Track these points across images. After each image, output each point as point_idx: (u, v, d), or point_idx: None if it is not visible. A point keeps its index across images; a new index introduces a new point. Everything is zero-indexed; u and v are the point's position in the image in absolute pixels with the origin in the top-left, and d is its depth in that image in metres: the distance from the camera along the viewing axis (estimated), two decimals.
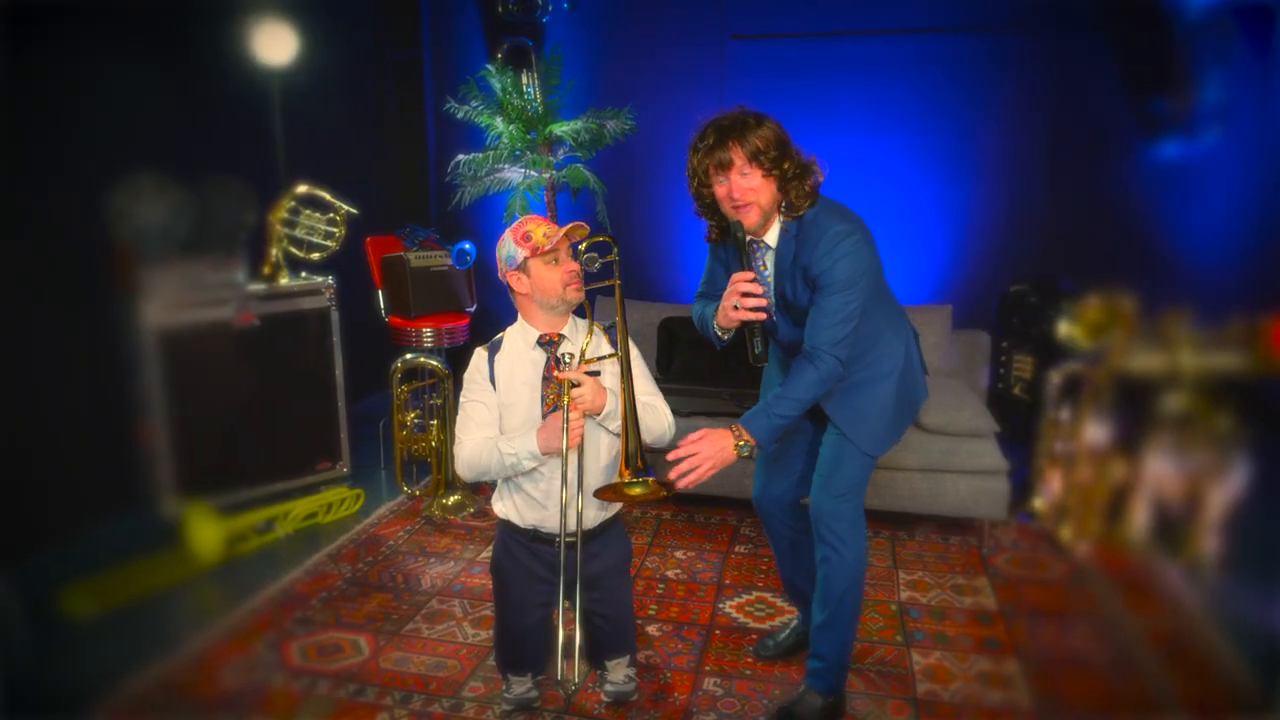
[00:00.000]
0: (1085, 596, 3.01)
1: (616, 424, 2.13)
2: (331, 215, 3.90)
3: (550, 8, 4.97)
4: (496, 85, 4.27)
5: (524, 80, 4.43)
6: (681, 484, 2.07)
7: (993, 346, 4.23)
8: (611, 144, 4.38)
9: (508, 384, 2.22)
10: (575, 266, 2.21)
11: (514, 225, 2.24)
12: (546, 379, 2.19)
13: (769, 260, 2.26)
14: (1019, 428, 4.09)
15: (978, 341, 4.09)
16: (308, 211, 3.87)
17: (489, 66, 4.40)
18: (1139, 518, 3.38)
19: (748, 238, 2.18)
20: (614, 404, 2.16)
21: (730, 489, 3.59)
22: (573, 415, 2.09)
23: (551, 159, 4.37)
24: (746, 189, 2.13)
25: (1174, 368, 3.37)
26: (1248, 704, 2.38)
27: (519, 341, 2.25)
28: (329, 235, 3.90)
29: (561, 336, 2.23)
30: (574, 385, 2.11)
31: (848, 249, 2.12)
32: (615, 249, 2.26)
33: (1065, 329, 3.52)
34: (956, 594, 3.04)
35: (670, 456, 2.09)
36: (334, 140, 4.85)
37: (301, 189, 3.84)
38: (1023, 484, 3.63)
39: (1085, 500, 3.46)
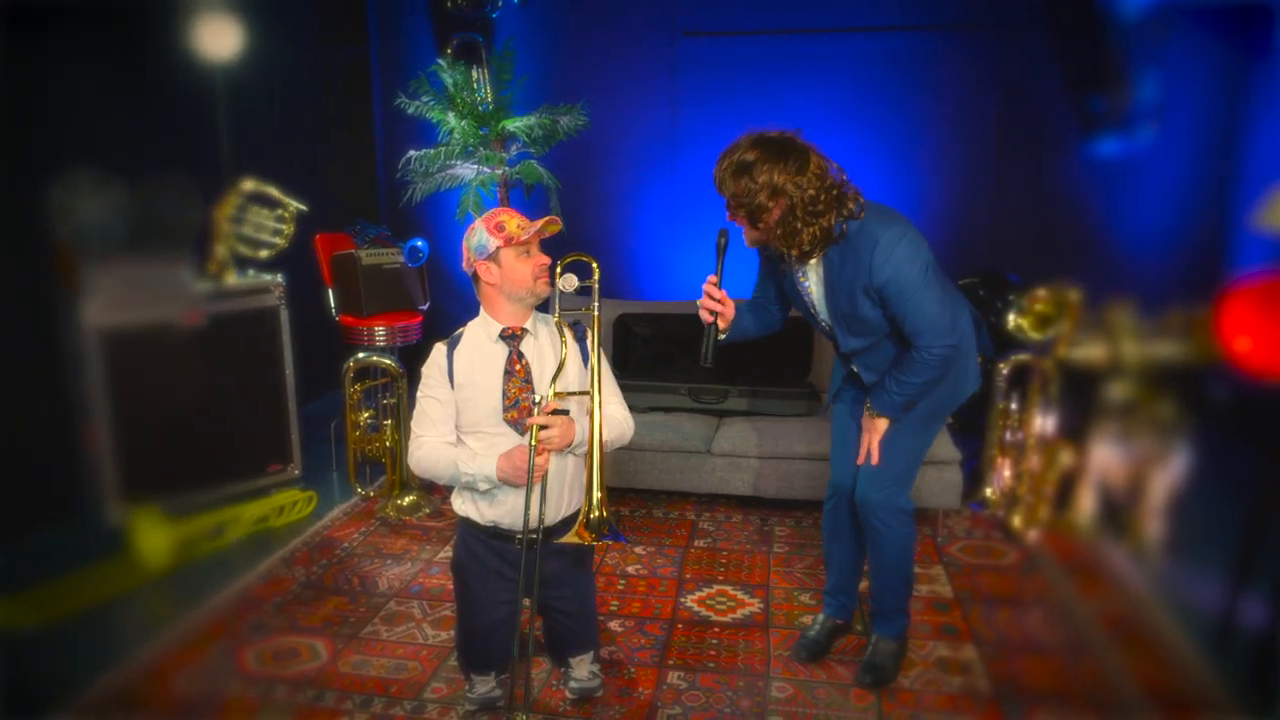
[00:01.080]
0: (1037, 582, 3.08)
1: (584, 448, 2.13)
2: (280, 212, 3.82)
3: (500, 3, 4.93)
4: (448, 80, 4.23)
5: (474, 76, 4.39)
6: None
7: None
8: (565, 140, 4.36)
9: (468, 377, 2.19)
10: (545, 260, 2.20)
11: (486, 215, 2.22)
12: (508, 373, 2.17)
13: (810, 273, 2.34)
14: (969, 419, 4.16)
15: None
16: (255, 208, 3.79)
17: (440, 61, 4.35)
18: (1086, 504, 3.47)
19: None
20: (584, 432, 2.14)
21: (688, 483, 3.60)
22: (539, 458, 2.07)
23: (504, 155, 4.34)
24: (745, 235, 2.27)
25: (1117, 357, 3.47)
26: (1196, 681, 2.46)
27: (481, 334, 2.23)
28: (277, 233, 3.82)
29: (524, 331, 2.21)
30: (542, 427, 2.08)
31: (906, 252, 2.18)
32: (596, 271, 2.23)
33: (1014, 320, 3.60)
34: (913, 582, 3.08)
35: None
36: (280, 136, 4.76)
37: (249, 185, 3.75)
38: (974, 474, 3.70)
39: (1035, 488, 3.54)
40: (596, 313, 2.21)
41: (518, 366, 2.17)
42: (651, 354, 4.09)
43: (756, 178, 2.12)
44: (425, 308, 4.22)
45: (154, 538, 3.17)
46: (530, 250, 2.19)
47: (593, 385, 2.10)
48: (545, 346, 2.22)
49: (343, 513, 3.73)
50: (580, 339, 2.26)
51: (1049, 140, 4.81)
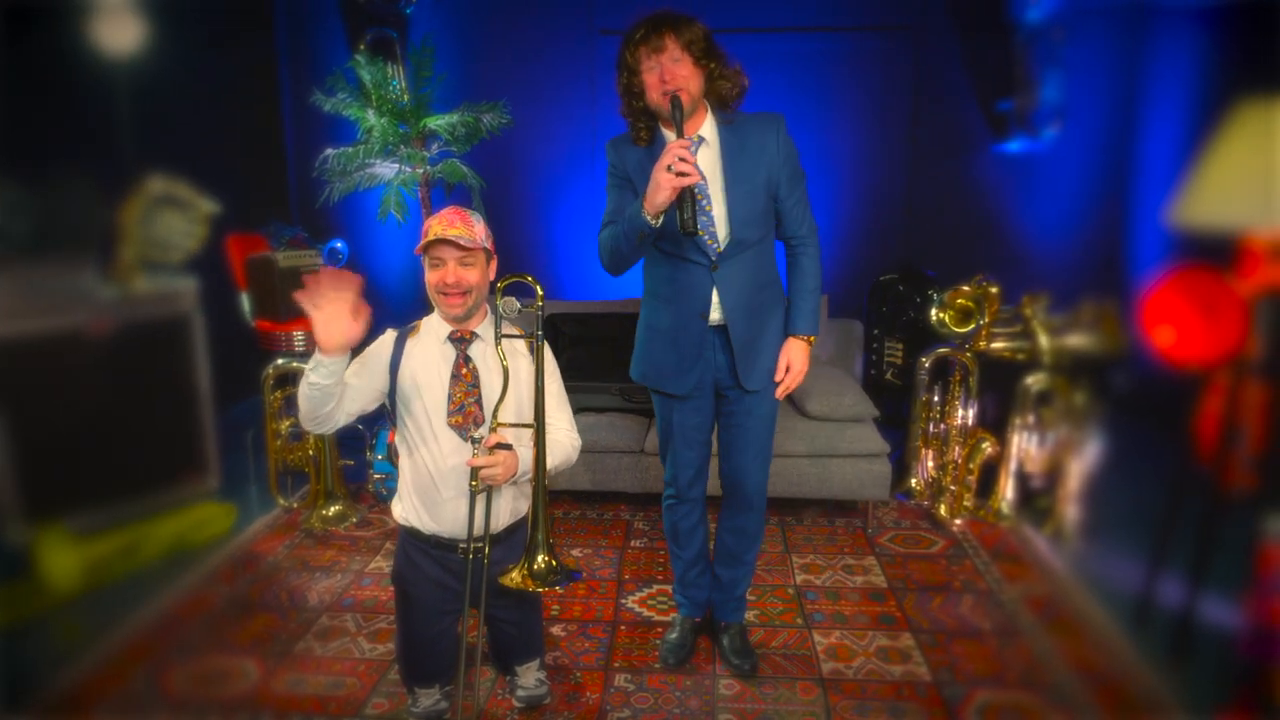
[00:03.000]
0: (966, 569, 3.17)
1: (529, 476, 2.07)
2: (190, 213, 3.65)
3: None
4: (366, 77, 4.11)
5: (389, 72, 4.28)
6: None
7: (865, 334, 4.39)
8: (488, 138, 4.29)
9: (413, 372, 2.11)
10: (459, 278, 2.05)
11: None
12: (455, 376, 2.11)
13: (704, 157, 2.29)
14: (893, 412, 4.27)
15: (852, 330, 4.23)
16: (164, 209, 3.61)
17: (358, 57, 4.22)
18: (1007, 492, 3.60)
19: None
20: (528, 462, 2.06)
21: (622, 483, 3.59)
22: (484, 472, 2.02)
23: (426, 154, 4.25)
24: (678, 74, 2.18)
25: (1033, 349, 3.60)
26: (1120, 658, 2.56)
27: (432, 331, 2.15)
28: (188, 235, 3.65)
29: (474, 335, 2.14)
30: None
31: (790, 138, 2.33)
32: (539, 295, 2.08)
33: (936, 315, 3.70)
34: (848, 574, 3.13)
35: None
36: (184, 134, 4.54)
37: (157, 185, 3.57)
38: (898, 465, 3.79)
39: (958, 478, 3.64)
40: (539, 342, 2.08)
41: (464, 370, 2.11)
42: (580, 355, 4.06)
43: (694, 26, 2.21)
44: None
45: (61, 558, 2.99)
46: (444, 258, 2.07)
47: (536, 419, 2.02)
48: (494, 354, 2.13)
49: (265, 525, 3.59)
50: (530, 333, 2.17)
51: (961, 140, 4.96)
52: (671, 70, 2.17)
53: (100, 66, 3.76)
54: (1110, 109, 4.67)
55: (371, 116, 4.11)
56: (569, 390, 2.30)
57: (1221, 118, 2.27)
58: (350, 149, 4.14)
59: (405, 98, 4.27)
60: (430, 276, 2.08)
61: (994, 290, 3.53)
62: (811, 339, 2.41)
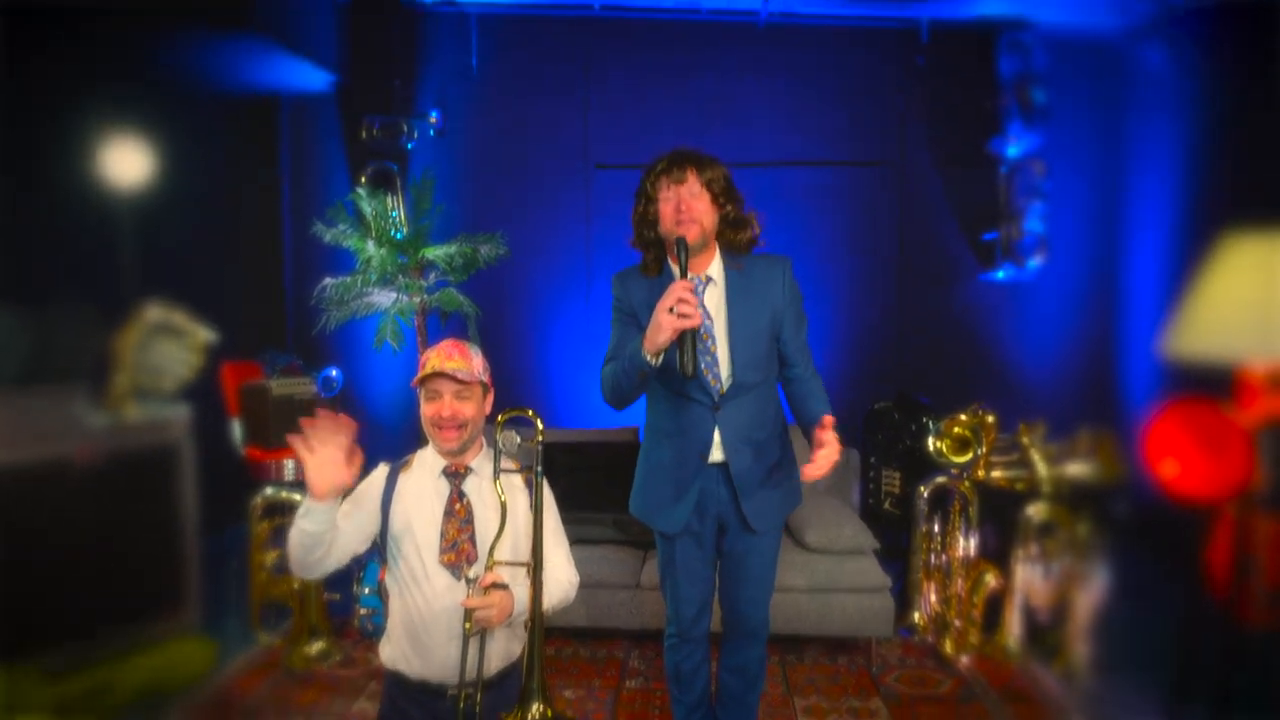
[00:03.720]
0: (977, 711, 3.04)
1: (525, 616, 1.98)
2: (186, 341, 3.65)
3: (415, 134, 4.98)
4: (366, 209, 4.19)
5: (390, 204, 4.37)
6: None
7: (861, 463, 4.36)
8: (484, 268, 4.35)
9: (405, 508, 2.06)
10: (454, 410, 2.03)
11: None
12: (449, 513, 2.06)
13: (711, 297, 2.30)
14: (892, 542, 4.19)
15: (848, 459, 4.20)
16: (160, 337, 3.61)
17: (359, 190, 4.32)
18: (1014, 627, 3.49)
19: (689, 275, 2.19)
20: (524, 603, 1.98)
21: (617, 620, 3.48)
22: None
23: (424, 283, 4.29)
24: (695, 207, 2.21)
25: (1032, 478, 3.56)
26: None
27: (426, 465, 2.11)
28: (183, 363, 3.63)
29: (468, 470, 2.10)
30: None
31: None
32: (540, 430, 2.04)
33: (933, 444, 3.68)
34: (854, 718, 3.00)
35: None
36: (186, 262, 4.60)
37: (153, 312, 3.58)
38: (900, 598, 3.69)
39: (962, 612, 3.55)
40: (538, 477, 2.02)
41: (458, 506, 2.06)
42: (575, 484, 4.00)
43: (717, 167, 2.27)
44: None
45: (29, 703, 2.85)
46: (441, 391, 2.05)
47: (534, 557, 1.93)
48: (490, 489, 2.08)
49: (245, 662, 3.44)
50: (530, 485, 2.12)
51: (948, 269, 5.06)
52: (689, 203, 2.22)
53: (105, 195, 3.83)
54: (1094, 238, 4.79)
55: (371, 247, 4.18)
56: (563, 523, 2.24)
57: (1209, 247, 2.30)
58: (348, 278, 4.19)
59: (405, 228, 4.35)
60: (426, 409, 2.06)
61: (990, 419, 3.52)
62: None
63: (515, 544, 2.08)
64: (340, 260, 4.49)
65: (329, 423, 1.90)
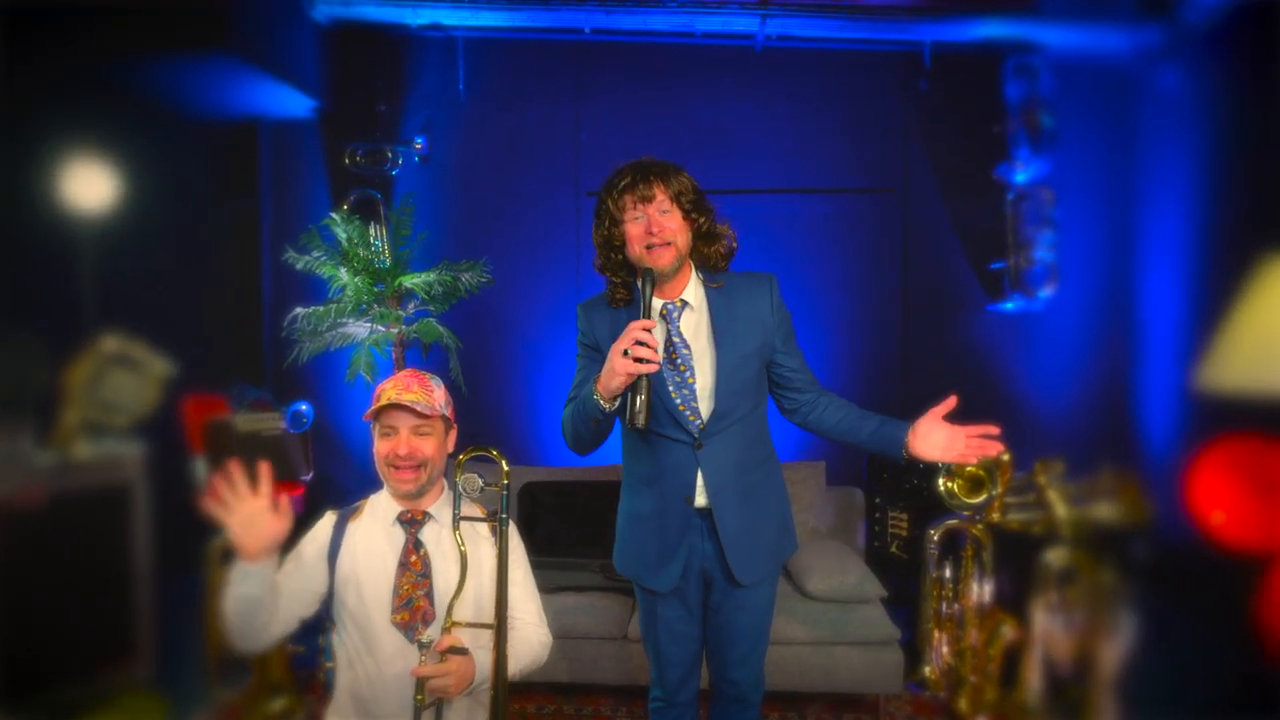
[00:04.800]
0: None
1: (487, 685, 1.75)
2: (143, 375, 3.43)
3: (400, 161, 4.80)
4: (341, 235, 4.00)
5: (371, 232, 4.17)
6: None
7: (866, 503, 4.12)
8: (466, 297, 4.14)
9: (354, 560, 1.82)
10: (411, 448, 1.82)
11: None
12: (403, 565, 1.82)
13: (688, 322, 2.06)
14: (899, 588, 3.94)
15: (852, 498, 3.97)
16: (114, 370, 3.39)
17: (333, 215, 4.13)
18: (1034, 682, 3.23)
19: (661, 303, 2.00)
20: (486, 669, 1.75)
21: (602, 674, 3.22)
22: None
23: (401, 313, 4.08)
24: (667, 226, 1.97)
25: (1050, 521, 3.32)
26: None
27: (379, 511, 1.87)
28: (138, 398, 3.40)
29: (426, 515, 1.86)
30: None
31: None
32: (505, 471, 1.84)
33: (944, 485, 3.44)
34: None
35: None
36: (155, 291, 4.39)
37: (109, 344, 3.36)
38: (909, 650, 3.44)
39: (978, 666, 3.28)
40: (503, 525, 1.81)
41: (414, 558, 1.83)
42: (559, 527, 3.76)
43: (683, 177, 2.04)
44: (308, 478, 3.81)
45: None
46: (399, 429, 1.82)
47: (498, 618, 1.71)
48: (451, 538, 1.84)
49: None
50: (496, 533, 1.88)
51: (954, 300, 4.86)
52: (659, 222, 1.98)
53: (68, 220, 3.64)
54: (1106, 267, 4.59)
55: (345, 275, 3.97)
56: (545, 568, 2.01)
57: (1239, 273, 2.12)
58: (321, 308, 3.98)
59: (387, 256, 4.15)
60: (380, 446, 1.83)
61: (1006, 458, 3.29)
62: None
63: (479, 601, 1.84)
64: (320, 290, 4.30)
65: (240, 474, 1.67)
